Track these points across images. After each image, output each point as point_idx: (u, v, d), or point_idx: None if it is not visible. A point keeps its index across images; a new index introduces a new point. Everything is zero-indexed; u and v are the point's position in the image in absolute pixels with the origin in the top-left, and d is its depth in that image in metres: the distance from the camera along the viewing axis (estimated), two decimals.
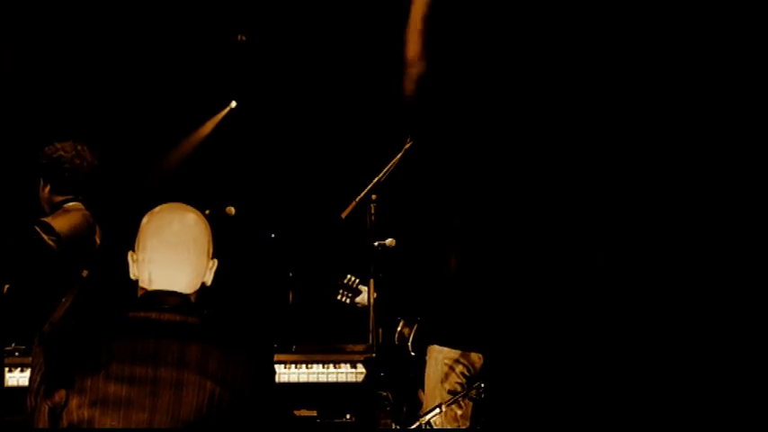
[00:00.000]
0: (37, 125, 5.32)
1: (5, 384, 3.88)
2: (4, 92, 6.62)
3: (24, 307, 4.53)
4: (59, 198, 4.98)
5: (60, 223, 4.80)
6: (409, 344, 6.02)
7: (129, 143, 8.03)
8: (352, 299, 5.88)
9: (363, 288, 5.90)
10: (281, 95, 8.33)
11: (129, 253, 2.83)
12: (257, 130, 8.56)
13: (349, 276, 5.91)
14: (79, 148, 5.04)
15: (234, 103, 8.91)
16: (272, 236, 7.61)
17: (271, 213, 7.71)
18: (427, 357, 5.97)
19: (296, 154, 8.35)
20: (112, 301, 4.45)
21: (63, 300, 4.66)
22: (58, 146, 5.01)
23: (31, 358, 2.79)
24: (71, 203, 4.98)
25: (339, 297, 5.88)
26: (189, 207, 2.91)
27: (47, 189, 5.00)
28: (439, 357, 5.83)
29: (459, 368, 5.82)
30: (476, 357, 5.83)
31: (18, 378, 3.89)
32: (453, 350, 5.83)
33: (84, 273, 4.80)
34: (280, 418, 2.80)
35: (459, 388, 5.78)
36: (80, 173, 4.97)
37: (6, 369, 3.95)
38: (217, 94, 8.76)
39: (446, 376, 5.80)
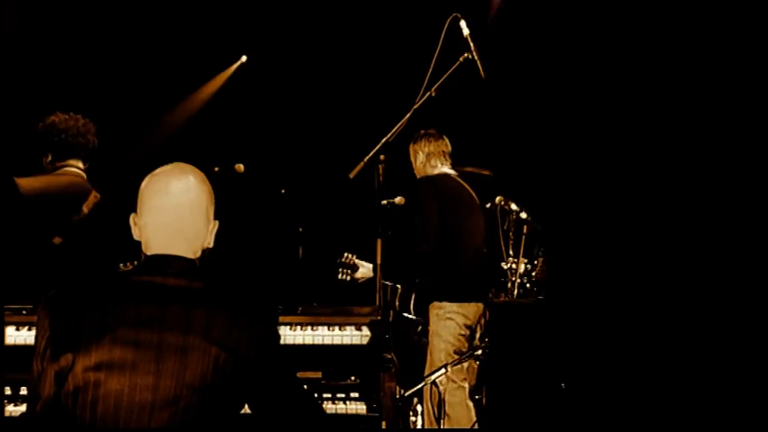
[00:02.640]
0: (44, 84, 5.26)
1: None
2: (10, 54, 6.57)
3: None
4: (59, 164, 4.95)
5: (30, 182, 4.75)
6: (411, 306, 6.03)
7: (138, 99, 7.99)
8: (352, 275, 5.91)
9: (361, 262, 5.93)
10: (292, 51, 8.27)
11: (132, 215, 2.78)
12: (267, 85, 8.51)
13: (346, 254, 5.94)
14: (71, 114, 5.03)
15: (244, 58, 8.85)
16: (282, 191, 7.58)
17: (280, 171, 7.67)
18: (429, 316, 5.99)
19: (305, 112, 8.31)
20: (82, 271, 4.44)
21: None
22: (51, 116, 5.00)
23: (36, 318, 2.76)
24: (66, 168, 4.94)
25: (340, 276, 5.92)
26: (190, 168, 2.83)
27: (48, 158, 4.98)
28: (440, 313, 5.85)
29: (460, 319, 5.85)
30: (476, 307, 5.84)
31: (26, 336, 3.86)
32: (453, 303, 5.85)
33: (57, 240, 4.73)
34: (284, 383, 2.77)
35: (463, 339, 5.79)
36: (74, 136, 4.93)
37: (14, 327, 3.93)
38: (227, 48, 8.70)
39: (449, 329, 5.82)
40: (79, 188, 4.90)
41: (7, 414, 3.71)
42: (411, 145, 6.27)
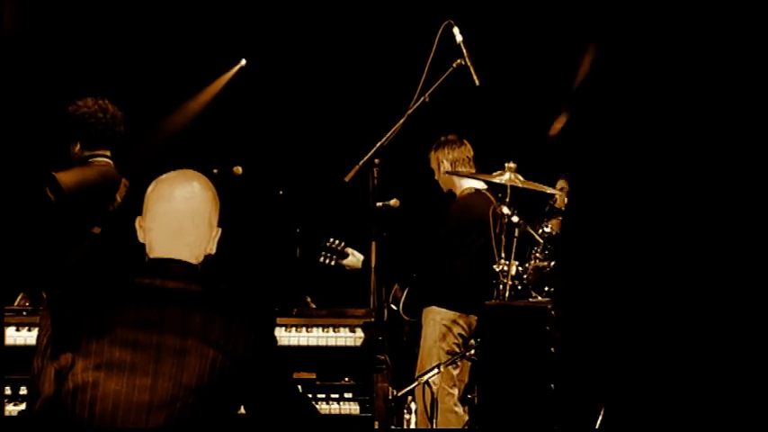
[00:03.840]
0: (47, 85, 5.25)
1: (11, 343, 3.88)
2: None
3: (30, 259, 4.48)
4: (88, 153, 4.90)
5: (68, 176, 4.72)
6: (400, 306, 6.03)
7: (139, 102, 7.99)
8: (337, 260, 5.86)
9: (351, 251, 5.89)
10: (289, 57, 8.28)
11: (138, 219, 2.81)
12: (265, 90, 8.51)
13: (332, 239, 5.90)
14: (101, 101, 4.98)
15: (244, 62, 8.85)
16: (281, 192, 7.59)
17: (278, 173, 7.68)
18: (423, 319, 5.99)
19: (303, 116, 8.32)
20: (122, 261, 4.43)
21: (74, 252, 4.62)
22: (80, 103, 4.94)
23: (38, 318, 2.78)
24: (97, 158, 4.90)
25: (321, 260, 5.88)
26: (195, 175, 2.86)
27: (77, 147, 4.92)
28: (437, 318, 5.86)
29: (456, 329, 5.85)
30: (473, 319, 5.85)
31: (26, 337, 3.87)
32: (451, 311, 5.86)
33: (96, 230, 4.73)
34: (279, 386, 2.79)
35: (456, 348, 5.81)
36: (105, 125, 4.89)
37: (14, 328, 3.93)
38: (227, 52, 8.70)
39: (444, 337, 5.83)
40: (112, 177, 4.89)
41: (7, 413, 3.72)
42: (433, 152, 6.23)
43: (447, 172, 6.11)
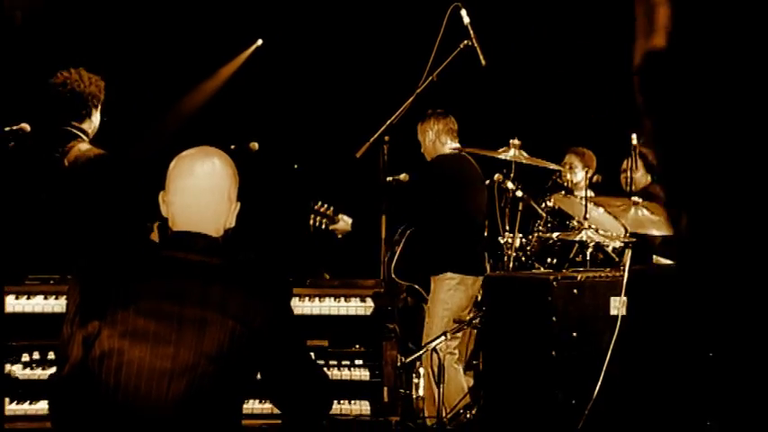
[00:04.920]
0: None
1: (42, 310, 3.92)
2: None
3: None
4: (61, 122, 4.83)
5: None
6: (392, 268, 6.01)
7: (158, 81, 8.03)
8: (328, 225, 5.79)
9: (341, 216, 5.82)
10: (304, 39, 8.30)
11: (161, 194, 2.84)
12: (281, 69, 8.54)
13: (320, 203, 5.81)
14: (65, 73, 4.83)
15: (260, 42, 8.87)
16: (295, 166, 7.62)
17: (293, 149, 7.72)
18: (434, 284, 5.99)
19: (317, 94, 8.35)
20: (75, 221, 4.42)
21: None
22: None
23: (66, 287, 2.82)
24: (64, 126, 4.79)
25: (311, 221, 5.80)
26: (215, 152, 2.87)
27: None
28: (452, 284, 5.85)
29: (460, 291, 5.85)
30: (477, 282, 5.86)
31: (53, 305, 3.91)
32: (455, 275, 5.85)
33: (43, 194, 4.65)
34: (293, 355, 2.83)
35: (465, 310, 5.81)
36: (65, 96, 4.78)
37: (42, 296, 3.98)
38: (243, 32, 8.73)
39: (450, 300, 5.82)
40: (59, 144, 4.76)
41: (36, 377, 3.78)
42: (419, 125, 6.17)
43: (454, 148, 6.12)
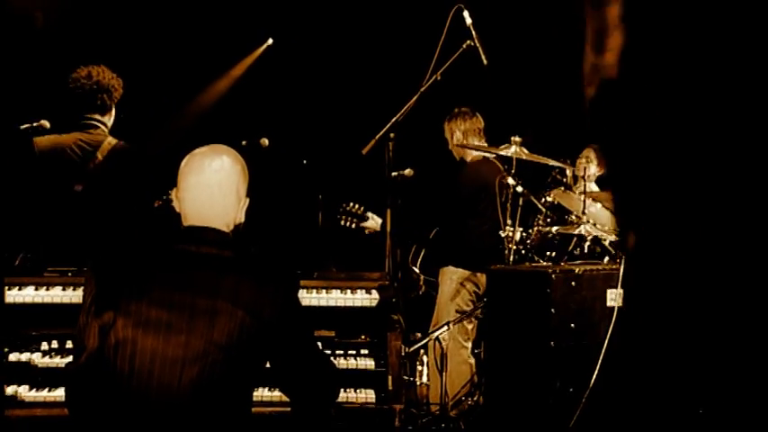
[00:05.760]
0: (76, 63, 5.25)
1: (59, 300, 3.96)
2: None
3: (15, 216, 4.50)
4: (80, 116, 4.88)
5: (43, 140, 4.71)
6: (417, 265, 6.09)
7: (170, 79, 8.05)
8: (358, 224, 5.86)
9: (370, 214, 5.90)
10: (312, 39, 8.33)
11: (174, 190, 2.87)
12: (290, 68, 8.56)
13: (351, 203, 5.89)
14: (92, 69, 4.91)
15: (270, 41, 8.89)
16: (304, 161, 7.63)
17: (302, 145, 7.74)
18: (440, 278, 6.05)
19: (324, 92, 8.37)
20: (103, 214, 4.46)
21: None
22: (74, 73, 4.92)
23: (83, 279, 2.85)
24: (86, 121, 4.85)
25: (342, 222, 5.88)
26: (225, 149, 2.91)
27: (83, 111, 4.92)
28: (454, 278, 5.91)
29: (469, 286, 5.91)
30: (483, 278, 5.90)
31: (71, 296, 3.96)
32: (465, 270, 5.91)
33: (78, 187, 4.69)
34: (301, 344, 2.86)
35: (470, 304, 5.86)
36: (89, 91, 4.84)
37: (61, 287, 4.02)
38: (255, 32, 8.75)
39: (458, 293, 5.89)
40: (94, 137, 4.82)
41: (55, 365, 3.82)
42: (446, 123, 6.24)
43: (457, 145, 6.16)
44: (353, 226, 5.86)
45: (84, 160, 4.71)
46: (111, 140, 4.79)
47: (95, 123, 4.86)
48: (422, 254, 6.17)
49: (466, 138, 6.13)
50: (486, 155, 6.06)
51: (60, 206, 4.63)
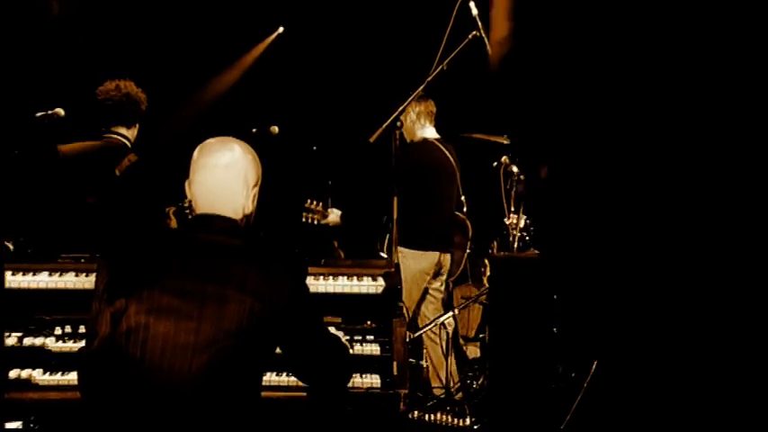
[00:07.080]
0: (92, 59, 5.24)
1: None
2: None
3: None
4: (104, 129, 4.88)
5: (69, 147, 4.72)
6: (384, 251, 6.05)
7: (187, 69, 8.04)
8: (319, 220, 5.83)
9: (331, 210, 5.85)
10: (322, 29, 8.31)
11: (186, 181, 2.88)
12: (300, 56, 8.54)
13: (310, 201, 5.84)
14: (120, 83, 4.90)
15: (281, 29, 8.87)
16: (314, 148, 7.62)
17: (310, 133, 7.73)
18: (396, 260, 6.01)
19: (333, 81, 8.35)
20: (118, 225, 4.49)
21: None
22: (101, 86, 4.92)
23: (95, 266, 2.85)
24: (109, 134, 4.87)
25: (304, 219, 5.84)
26: (235, 141, 2.91)
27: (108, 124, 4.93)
28: (405, 260, 5.84)
29: (421, 265, 5.87)
30: (436, 256, 5.86)
31: (84, 282, 3.95)
32: (415, 251, 5.87)
33: (90, 200, 4.69)
34: (310, 329, 2.86)
35: (417, 281, 5.82)
36: (118, 104, 4.84)
37: (74, 273, 4.01)
38: (266, 21, 8.73)
39: (410, 272, 5.83)
40: (117, 151, 4.82)
41: (68, 350, 3.82)
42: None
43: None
44: (316, 222, 5.83)
45: (101, 173, 4.71)
46: (131, 157, 4.79)
47: (119, 138, 4.88)
48: (386, 238, 6.08)
49: (418, 119, 6.10)
50: (429, 137, 6.03)
51: (74, 213, 4.64)
